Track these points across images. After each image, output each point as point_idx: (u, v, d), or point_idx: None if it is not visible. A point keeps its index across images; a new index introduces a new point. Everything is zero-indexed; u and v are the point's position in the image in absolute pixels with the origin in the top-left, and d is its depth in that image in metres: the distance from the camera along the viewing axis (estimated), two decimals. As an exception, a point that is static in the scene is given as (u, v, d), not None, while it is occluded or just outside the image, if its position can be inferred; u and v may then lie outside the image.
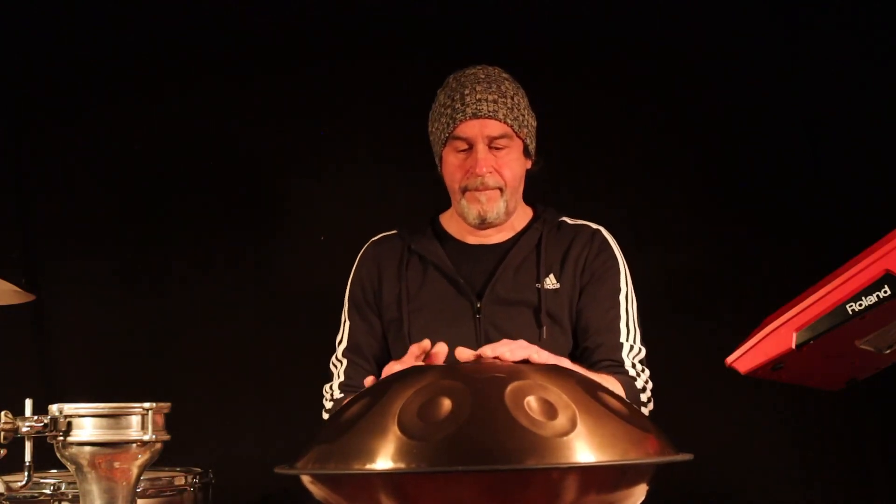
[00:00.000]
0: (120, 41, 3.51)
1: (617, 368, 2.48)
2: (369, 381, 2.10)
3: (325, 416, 2.59)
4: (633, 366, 2.50)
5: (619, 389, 2.38)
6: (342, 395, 2.55)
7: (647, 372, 2.52)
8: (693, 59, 3.43)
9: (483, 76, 2.53)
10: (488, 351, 2.02)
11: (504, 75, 2.56)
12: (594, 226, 2.65)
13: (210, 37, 3.53)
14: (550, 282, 2.56)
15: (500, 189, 2.52)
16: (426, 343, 2.14)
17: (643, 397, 2.48)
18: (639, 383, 2.48)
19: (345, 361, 2.61)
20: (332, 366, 2.64)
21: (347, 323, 2.65)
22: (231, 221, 3.55)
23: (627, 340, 2.52)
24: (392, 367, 2.14)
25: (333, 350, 2.65)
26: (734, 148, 3.44)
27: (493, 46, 3.41)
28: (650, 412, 2.49)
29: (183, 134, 3.54)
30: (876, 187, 3.29)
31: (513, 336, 2.28)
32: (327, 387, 2.61)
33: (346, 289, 2.69)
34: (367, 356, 2.61)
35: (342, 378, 2.59)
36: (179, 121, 3.52)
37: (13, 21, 3.46)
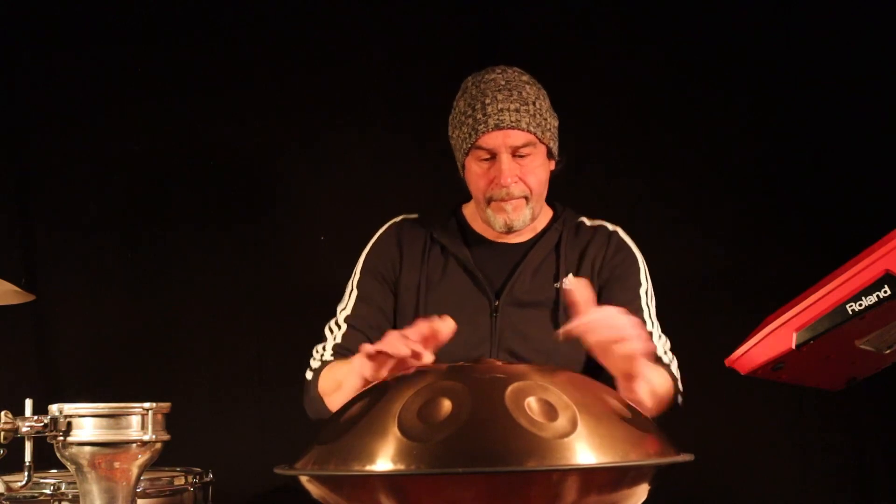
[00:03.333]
0: (120, 42, 3.51)
1: (653, 357, 2.43)
2: (366, 349, 2.02)
3: (309, 375, 2.51)
4: (665, 353, 2.49)
5: (665, 377, 2.37)
6: (332, 357, 2.49)
7: (676, 360, 2.51)
8: (695, 56, 3.43)
9: (503, 82, 2.47)
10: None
11: (524, 78, 2.51)
12: (611, 227, 2.64)
13: (210, 35, 3.53)
14: (569, 282, 2.55)
15: (526, 198, 2.49)
16: (437, 322, 2.04)
17: (679, 385, 2.46)
18: (674, 370, 2.46)
19: (344, 327, 2.54)
20: (327, 330, 2.57)
21: (355, 292, 2.58)
22: (231, 221, 3.54)
23: (654, 331, 2.51)
24: (396, 341, 2.03)
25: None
26: (734, 148, 3.44)
27: (496, 43, 3.42)
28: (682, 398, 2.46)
29: (183, 133, 3.54)
30: (876, 187, 3.29)
31: (530, 336, 2.25)
32: (319, 347, 2.55)
33: (358, 260, 2.62)
34: (370, 327, 2.53)
35: (339, 340, 2.52)
36: (179, 120, 3.52)
37: (13, 21, 3.46)
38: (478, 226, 2.63)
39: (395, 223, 2.67)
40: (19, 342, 3.40)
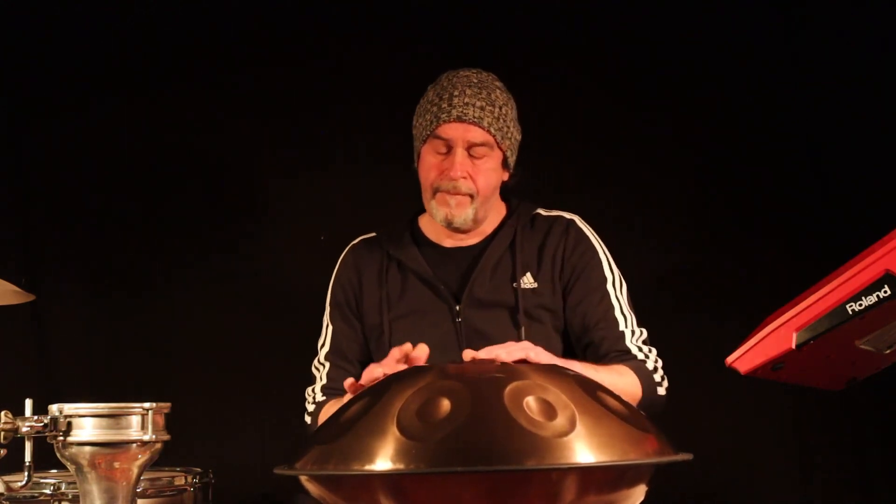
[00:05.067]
0: (118, 44, 3.51)
1: (625, 356, 2.47)
2: (349, 382, 2.09)
3: (308, 419, 2.59)
4: (640, 349, 2.50)
5: (633, 378, 2.39)
6: (324, 398, 2.55)
7: (655, 351, 2.51)
8: (692, 55, 3.43)
9: (476, 80, 2.50)
10: (482, 355, 2.01)
11: (497, 83, 2.54)
12: (568, 216, 2.63)
13: (208, 36, 3.53)
14: (528, 280, 2.55)
15: (471, 196, 2.50)
16: (407, 346, 2.13)
17: (656, 377, 2.47)
18: (649, 364, 2.47)
19: (327, 365, 2.60)
20: (314, 369, 2.63)
21: (330, 327, 2.64)
22: (231, 221, 3.55)
23: (627, 327, 2.52)
24: (372, 370, 2.13)
25: (331, 351, 2.65)
26: (734, 146, 3.44)
27: (486, 41, 3.41)
28: (667, 390, 2.48)
29: (181, 134, 3.54)
30: (876, 188, 3.29)
31: (494, 338, 2.27)
32: (309, 390, 2.61)
33: (328, 292, 2.69)
34: (350, 359, 2.60)
35: (325, 381, 2.58)
36: (178, 121, 3.52)
37: (12, 21, 3.46)
38: (432, 233, 2.65)
39: (351, 247, 2.71)
40: (19, 342, 3.40)
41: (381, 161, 3.50)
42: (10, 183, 3.49)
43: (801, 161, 3.41)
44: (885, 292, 1.75)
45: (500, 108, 2.50)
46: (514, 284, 2.54)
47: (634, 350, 2.49)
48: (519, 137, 2.57)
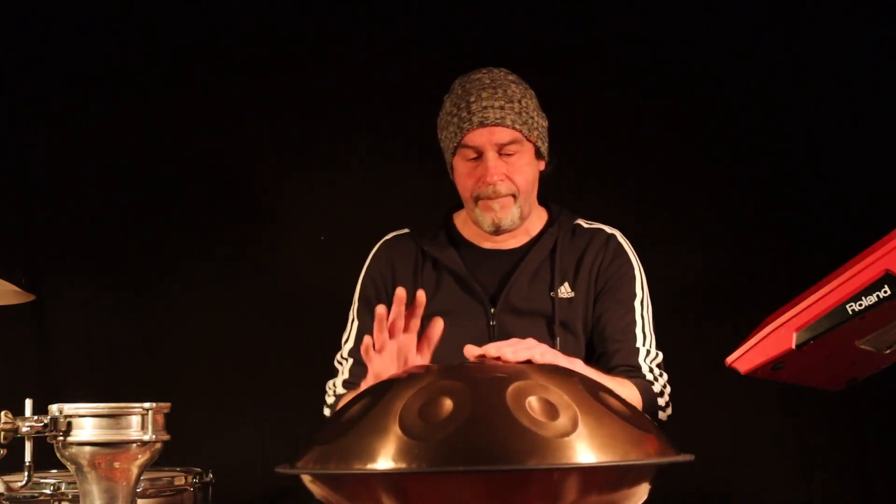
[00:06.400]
0: (118, 44, 3.51)
1: (634, 373, 2.45)
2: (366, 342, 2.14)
3: (327, 411, 2.56)
4: (651, 370, 2.48)
5: (635, 393, 2.36)
6: (345, 391, 2.52)
7: (665, 377, 2.49)
8: (692, 55, 3.43)
9: (488, 81, 2.48)
10: (492, 350, 2.01)
11: (510, 77, 2.52)
12: (609, 230, 2.62)
13: (209, 36, 3.53)
14: (565, 290, 2.53)
15: (514, 196, 2.49)
16: (400, 292, 2.14)
17: (661, 402, 2.45)
18: (656, 387, 2.45)
19: (350, 360, 2.57)
20: (336, 363, 2.60)
21: (356, 322, 2.61)
22: (231, 221, 3.55)
23: (644, 345, 2.50)
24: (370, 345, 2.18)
25: (334, 350, 2.63)
26: (734, 146, 3.44)
27: (503, 45, 3.42)
28: (668, 416, 2.46)
29: (181, 134, 3.54)
30: (876, 187, 3.29)
31: None
32: (331, 383, 2.58)
33: (355, 287, 2.65)
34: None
35: (347, 376, 2.55)
36: (179, 120, 3.52)
37: (12, 21, 3.46)
38: (469, 233, 2.63)
39: (385, 242, 2.68)
40: (19, 342, 3.40)
41: (382, 161, 3.51)
42: (10, 183, 3.49)
43: (801, 161, 3.41)
44: (885, 292, 1.75)
45: (519, 101, 2.48)
46: (552, 294, 2.53)
47: (645, 369, 2.47)
48: (545, 124, 2.56)
